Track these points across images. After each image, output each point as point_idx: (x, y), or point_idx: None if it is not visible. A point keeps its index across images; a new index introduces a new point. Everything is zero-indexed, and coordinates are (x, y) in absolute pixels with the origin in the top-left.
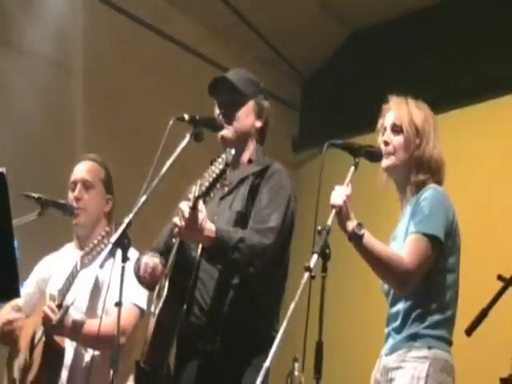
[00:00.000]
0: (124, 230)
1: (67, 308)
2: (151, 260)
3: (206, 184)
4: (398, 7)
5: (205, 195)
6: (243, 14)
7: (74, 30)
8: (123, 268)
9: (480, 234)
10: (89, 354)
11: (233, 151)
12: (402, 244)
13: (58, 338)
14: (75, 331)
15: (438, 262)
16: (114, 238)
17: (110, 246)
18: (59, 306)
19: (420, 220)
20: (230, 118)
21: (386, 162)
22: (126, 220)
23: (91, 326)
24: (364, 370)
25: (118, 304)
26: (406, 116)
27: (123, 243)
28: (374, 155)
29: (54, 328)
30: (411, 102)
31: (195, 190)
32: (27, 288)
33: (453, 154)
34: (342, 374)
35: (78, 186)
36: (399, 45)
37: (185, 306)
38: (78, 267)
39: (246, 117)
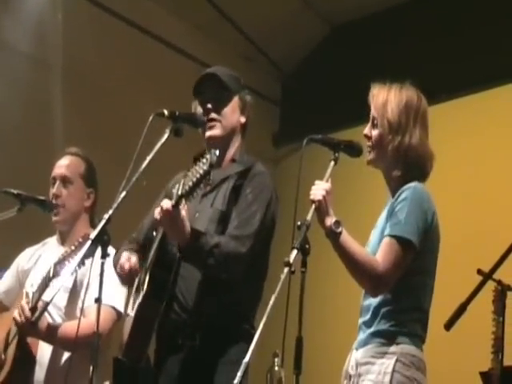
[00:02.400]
0: (103, 227)
1: (47, 305)
2: (127, 259)
3: (190, 184)
4: (378, 3)
5: (188, 195)
6: (224, 10)
7: (53, 25)
8: (102, 264)
9: (459, 228)
10: (67, 353)
11: (217, 152)
12: (377, 242)
13: (31, 340)
14: (51, 335)
15: (412, 263)
16: (93, 235)
17: (89, 243)
18: (33, 309)
19: (396, 223)
20: (217, 114)
21: (367, 157)
22: (106, 216)
23: (67, 329)
24: (344, 366)
25: (98, 300)
26: (381, 109)
27: (103, 239)
28: (354, 150)
29: (28, 329)
30: (393, 89)
31: (178, 189)
32: (7, 280)
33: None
34: (322, 370)
35: (57, 182)
36: (380, 41)
37: (164, 303)
38: (51, 274)
39: (233, 113)
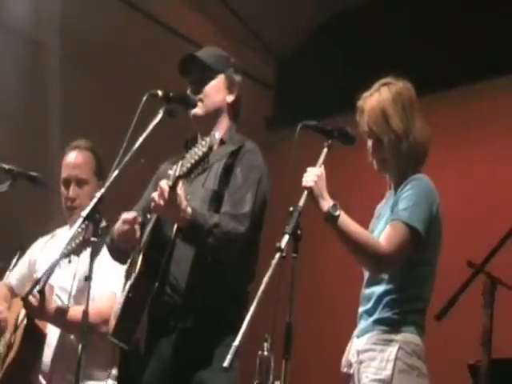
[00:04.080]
0: (95, 205)
1: (37, 281)
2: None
3: (188, 165)
4: None
5: (185, 176)
6: None
7: (51, 7)
8: (94, 243)
9: (450, 220)
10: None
11: (217, 134)
12: (382, 230)
13: (40, 323)
14: (58, 318)
15: (416, 254)
16: (84, 212)
17: (80, 220)
18: (40, 292)
19: (404, 208)
20: (200, 94)
21: (375, 167)
22: (98, 194)
23: (74, 313)
24: (334, 351)
25: (88, 278)
26: (383, 123)
27: (94, 218)
28: (348, 138)
29: (35, 311)
30: (382, 95)
31: (176, 170)
32: (20, 268)
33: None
34: (312, 355)
35: (72, 185)
36: (376, 28)
37: (156, 284)
38: (58, 258)
39: (217, 92)
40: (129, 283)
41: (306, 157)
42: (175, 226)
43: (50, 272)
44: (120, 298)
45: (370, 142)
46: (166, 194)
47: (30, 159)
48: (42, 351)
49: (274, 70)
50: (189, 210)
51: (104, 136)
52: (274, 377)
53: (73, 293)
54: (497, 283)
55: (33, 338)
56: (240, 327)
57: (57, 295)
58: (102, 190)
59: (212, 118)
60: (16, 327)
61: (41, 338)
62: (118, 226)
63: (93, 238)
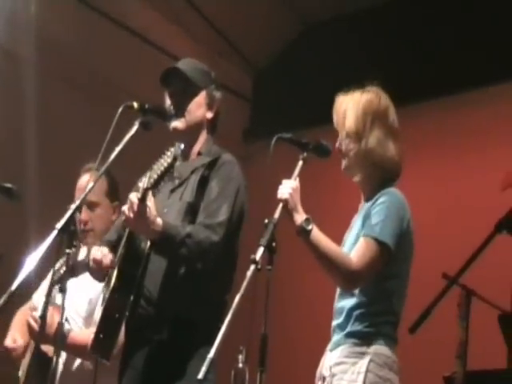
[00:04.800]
0: (70, 217)
1: (11, 293)
2: (98, 252)
3: (155, 176)
4: (353, 3)
5: (153, 187)
6: (196, 5)
7: (25, 15)
8: (68, 255)
9: (425, 231)
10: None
11: (182, 145)
12: (352, 244)
13: (44, 347)
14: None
15: (387, 268)
16: (59, 224)
17: (55, 232)
18: (42, 317)
19: (373, 224)
20: (181, 109)
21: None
22: (73, 206)
23: (75, 336)
24: (309, 363)
25: (62, 290)
26: (341, 120)
27: (69, 230)
28: (323, 151)
29: (39, 337)
30: (353, 96)
31: (144, 182)
32: (42, 289)
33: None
34: (286, 367)
35: (84, 208)
36: (352, 39)
37: (131, 297)
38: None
39: (198, 108)
40: (105, 298)
41: (282, 169)
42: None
43: (47, 297)
44: (98, 312)
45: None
46: (136, 207)
47: (4, 170)
48: (46, 375)
49: (251, 82)
50: (159, 221)
51: (80, 147)
52: None
53: (82, 316)
54: (472, 295)
55: (37, 362)
56: (215, 339)
57: (66, 319)
58: (78, 202)
59: (191, 133)
60: (25, 350)
61: (45, 361)
62: (97, 255)
63: (67, 250)
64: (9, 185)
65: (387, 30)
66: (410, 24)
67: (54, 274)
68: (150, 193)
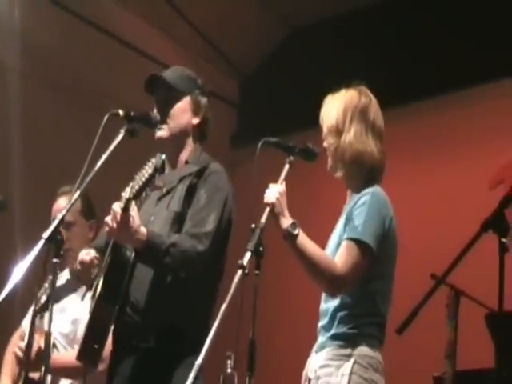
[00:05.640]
0: (57, 226)
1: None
2: (85, 255)
3: (136, 187)
4: (338, 6)
5: (135, 197)
6: (181, 10)
7: (10, 25)
8: (55, 264)
9: (413, 231)
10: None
11: (163, 156)
12: (336, 246)
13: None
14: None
15: (370, 269)
16: (46, 234)
17: (42, 242)
18: (27, 347)
19: (355, 226)
20: (165, 116)
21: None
22: (60, 216)
23: (57, 359)
24: (297, 366)
25: (48, 300)
26: (325, 117)
27: (56, 239)
28: (309, 154)
29: (24, 365)
30: (337, 95)
31: (126, 192)
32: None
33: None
34: (275, 372)
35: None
36: (338, 44)
37: (117, 306)
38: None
39: (182, 114)
40: (92, 306)
41: (269, 173)
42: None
43: (32, 326)
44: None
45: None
46: (119, 217)
47: None
48: None
49: (237, 87)
50: (143, 230)
51: (66, 154)
52: None
53: (66, 333)
54: (460, 295)
55: None
56: (202, 346)
57: (54, 344)
58: (64, 212)
59: (177, 140)
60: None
61: None
62: (81, 255)
63: (54, 260)
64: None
65: (374, 32)
66: (398, 25)
67: (36, 303)
68: (133, 203)
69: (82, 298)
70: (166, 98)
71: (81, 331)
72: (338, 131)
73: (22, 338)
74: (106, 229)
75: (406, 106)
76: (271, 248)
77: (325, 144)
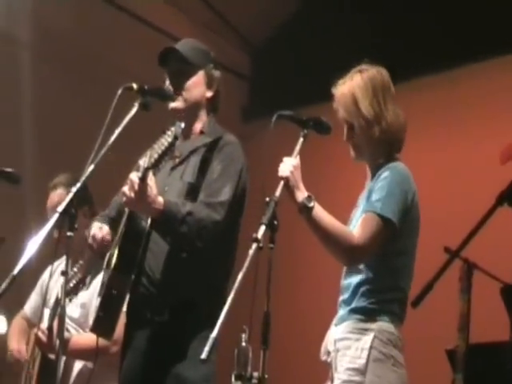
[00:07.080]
0: (71, 200)
1: (13, 277)
2: (97, 229)
3: (155, 156)
4: None
5: (154, 166)
6: None
7: (22, 0)
8: (69, 237)
9: (426, 205)
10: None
11: (182, 125)
12: (358, 220)
13: (51, 356)
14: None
15: (392, 243)
16: (61, 208)
17: (57, 215)
18: (49, 329)
19: (377, 199)
20: (179, 88)
21: (351, 154)
22: (74, 189)
23: (75, 341)
24: (312, 340)
25: (64, 273)
26: (353, 109)
27: (70, 212)
28: (323, 127)
29: (45, 348)
30: (354, 81)
31: (145, 161)
32: (33, 299)
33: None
34: (289, 345)
35: None
36: (352, 14)
37: (133, 276)
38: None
39: (196, 87)
40: (106, 277)
41: (282, 147)
42: (150, 218)
43: (55, 309)
44: (99, 291)
45: (345, 129)
46: (136, 186)
47: (1, 155)
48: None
49: (249, 60)
50: (160, 199)
51: (79, 130)
52: (252, 367)
53: (75, 318)
54: (473, 268)
55: (48, 371)
56: (217, 321)
57: (67, 328)
58: (78, 185)
59: (191, 112)
60: (34, 360)
61: (54, 369)
62: (94, 231)
63: (69, 233)
64: (9, 169)
65: (388, 5)
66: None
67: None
68: (151, 172)
69: (87, 287)
70: (179, 70)
71: (92, 313)
72: (377, 117)
73: (25, 319)
74: (124, 198)
75: (418, 80)
76: (285, 222)
77: (355, 138)
